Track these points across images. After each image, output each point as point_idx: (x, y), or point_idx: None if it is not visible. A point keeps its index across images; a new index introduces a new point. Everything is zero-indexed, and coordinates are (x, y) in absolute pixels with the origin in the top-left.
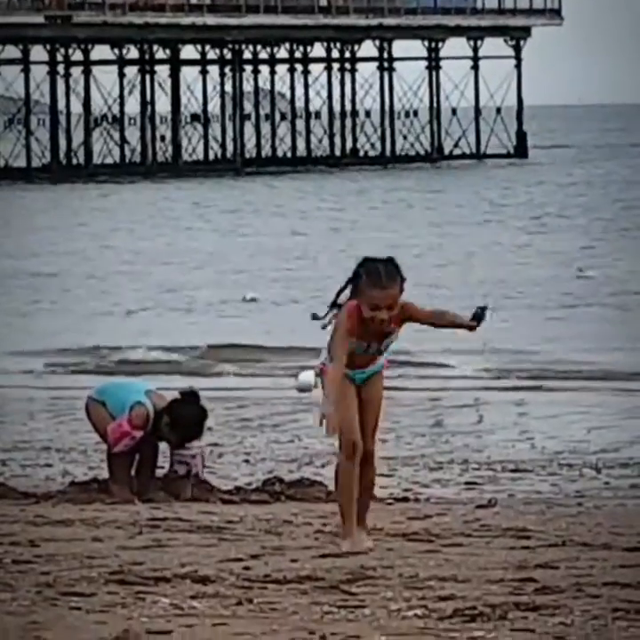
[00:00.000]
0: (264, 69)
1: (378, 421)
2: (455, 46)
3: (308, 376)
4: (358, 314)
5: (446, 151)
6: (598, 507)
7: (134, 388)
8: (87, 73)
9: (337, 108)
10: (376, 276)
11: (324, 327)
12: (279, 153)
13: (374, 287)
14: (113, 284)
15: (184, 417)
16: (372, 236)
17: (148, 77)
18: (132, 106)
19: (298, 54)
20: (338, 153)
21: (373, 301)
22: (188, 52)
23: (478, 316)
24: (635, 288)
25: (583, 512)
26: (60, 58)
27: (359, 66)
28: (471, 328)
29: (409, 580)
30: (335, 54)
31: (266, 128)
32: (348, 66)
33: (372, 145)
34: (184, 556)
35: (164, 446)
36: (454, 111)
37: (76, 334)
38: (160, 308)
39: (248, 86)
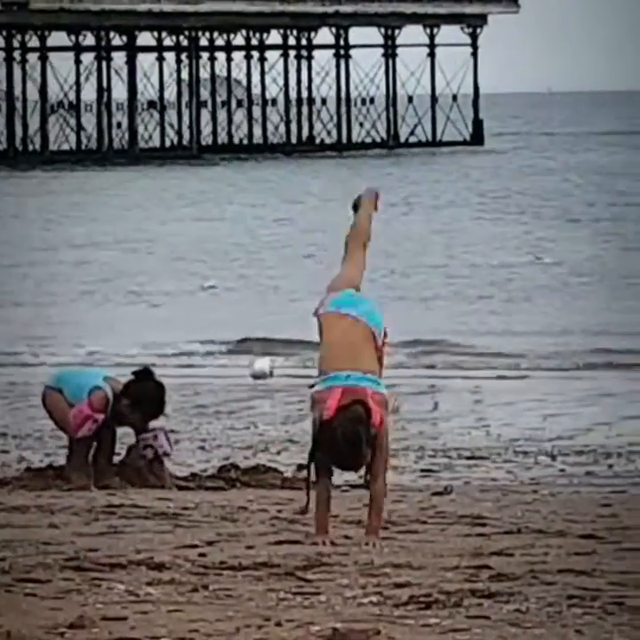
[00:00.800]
0: (220, 56)
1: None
2: (412, 34)
3: (262, 363)
4: None
5: (402, 139)
6: (553, 494)
7: (91, 373)
8: (43, 59)
9: (293, 95)
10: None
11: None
12: (235, 140)
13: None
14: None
15: (143, 394)
16: (323, 222)
17: (104, 64)
18: (89, 92)
19: (254, 41)
20: (294, 140)
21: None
22: (145, 38)
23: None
24: (587, 273)
25: (538, 499)
26: (16, 44)
27: (315, 53)
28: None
29: (364, 567)
30: (292, 41)
31: (222, 115)
32: (304, 53)
33: (329, 132)
34: (139, 543)
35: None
36: (411, 99)
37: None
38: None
39: (204, 73)
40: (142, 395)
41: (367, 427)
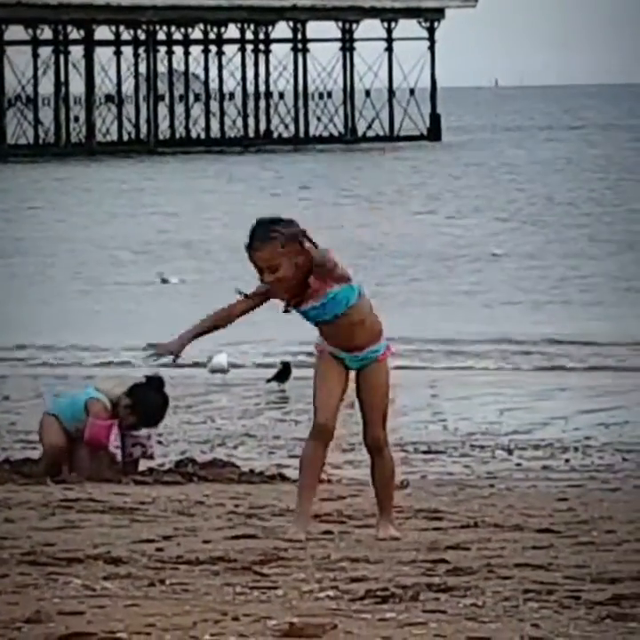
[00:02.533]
0: (178, 50)
1: (386, 409)
2: (369, 28)
3: (221, 358)
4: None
5: (360, 133)
6: (510, 488)
7: (82, 392)
8: (1, 53)
9: (251, 89)
10: (249, 236)
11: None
12: (193, 134)
13: (248, 249)
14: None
15: (146, 402)
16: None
17: (61, 58)
18: (46, 86)
19: (212, 35)
20: (252, 134)
21: (253, 265)
22: (102, 32)
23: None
24: (539, 267)
25: (495, 493)
26: None
27: (273, 47)
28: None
29: (321, 562)
30: (249, 35)
31: (180, 109)
32: (261, 47)
33: (286, 126)
34: (96, 537)
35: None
36: (368, 93)
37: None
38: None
39: (162, 67)
40: (146, 403)
41: None
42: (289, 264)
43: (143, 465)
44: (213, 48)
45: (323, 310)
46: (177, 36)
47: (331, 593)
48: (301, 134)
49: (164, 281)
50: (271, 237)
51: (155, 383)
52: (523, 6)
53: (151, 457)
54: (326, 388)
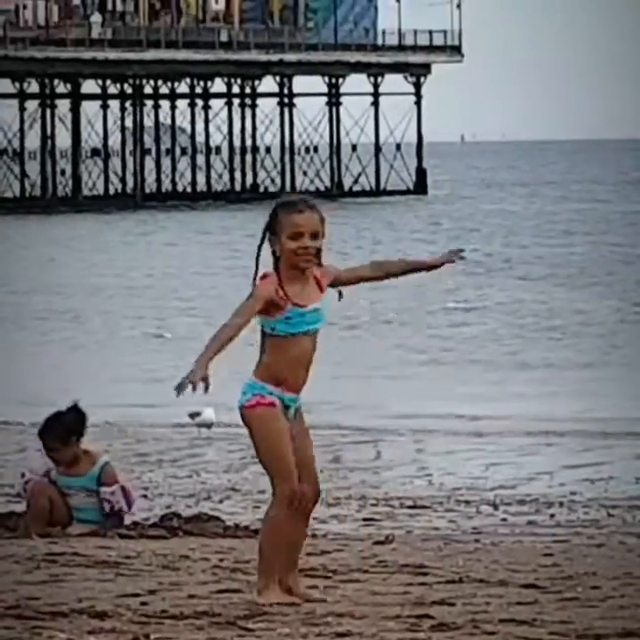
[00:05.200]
0: (164, 104)
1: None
2: (355, 82)
3: (209, 413)
4: (272, 278)
5: (346, 187)
6: (495, 543)
7: None
8: None
9: (237, 143)
10: (291, 203)
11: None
12: (179, 188)
13: (292, 212)
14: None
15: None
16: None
17: (48, 111)
18: (33, 140)
19: (198, 89)
20: (238, 188)
21: (295, 228)
22: (89, 86)
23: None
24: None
25: (480, 548)
26: None
27: (259, 101)
28: (435, 266)
29: (306, 617)
30: (235, 90)
31: (166, 163)
32: (248, 101)
33: (272, 180)
34: (81, 591)
35: None
36: (354, 147)
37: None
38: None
39: (148, 121)
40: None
41: None
42: (322, 240)
43: (127, 519)
44: (200, 102)
45: (317, 316)
46: (163, 89)
47: None
48: (288, 188)
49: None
50: (315, 206)
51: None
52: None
53: (121, 511)
54: (281, 444)
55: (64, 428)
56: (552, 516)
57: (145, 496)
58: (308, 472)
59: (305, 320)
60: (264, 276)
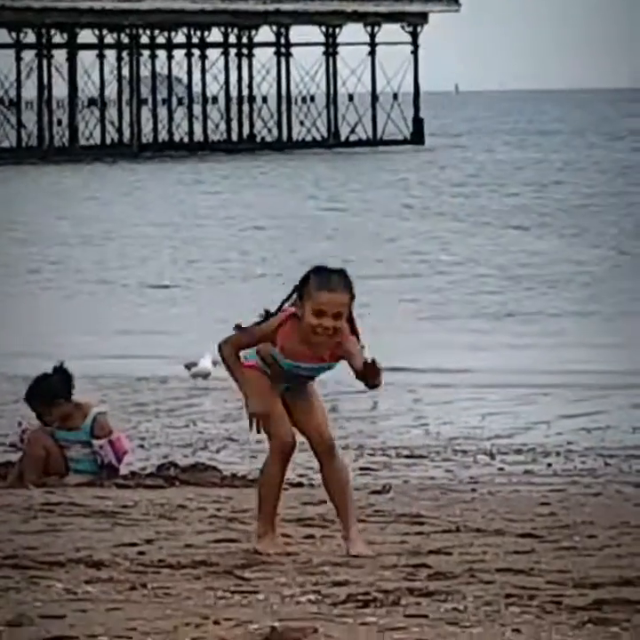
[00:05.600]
0: (161, 54)
1: (325, 414)
2: (352, 32)
3: (206, 362)
4: (292, 324)
5: (343, 137)
6: (492, 493)
7: None
8: None
9: (234, 93)
10: (325, 277)
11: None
12: (176, 138)
13: (322, 289)
14: None
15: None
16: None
17: (45, 61)
18: (30, 90)
19: (195, 39)
20: (235, 138)
21: (319, 306)
22: (86, 36)
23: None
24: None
25: (477, 498)
26: None
27: (256, 51)
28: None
29: (302, 566)
30: (232, 39)
31: (163, 113)
32: (245, 51)
33: (269, 130)
34: (78, 541)
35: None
36: (351, 97)
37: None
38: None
39: (145, 71)
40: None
41: None
42: (345, 318)
43: (124, 469)
44: (196, 52)
45: (313, 371)
46: (160, 39)
47: (312, 597)
48: (284, 138)
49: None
50: (349, 285)
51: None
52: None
53: (111, 465)
54: (272, 401)
55: (49, 392)
56: (549, 465)
57: (142, 446)
58: (311, 426)
59: (300, 367)
60: (285, 319)
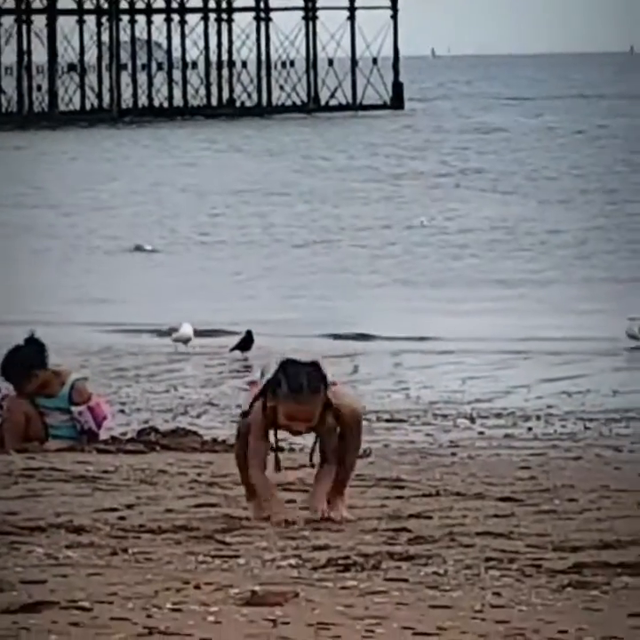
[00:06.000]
0: (141, 19)
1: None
2: None
3: (187, 328)
4: (272, 411)
5: (323, 102)
6: (472, 457)
7: None
8: None
9: (214, 58)
10: (294, 386)
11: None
12: (155, 103)
13: (290, 400)
14: None
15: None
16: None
17: (24, 27)
18: (9, 55)
19: (174, 4)
20: (214, 103)
21: (289, 413)
22: (65, 1)
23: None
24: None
25: (457, 462)
26: None
27: (236, 16)
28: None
29: (283, 530)
30: (212, 4)
31: (142, 78)
32: (224, 16)
33: (249, 95)
34: (59, 506)
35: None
36: (331, 62)
37: None
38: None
39: (125, 36)
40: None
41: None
42: (319, 411)
43: (104, 434)
44: (176, 17)
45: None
46: (140, 4)
47: (293, 561)
48: (264, 103)
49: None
50: (319, 387)
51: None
52: None
53: (91, 431)
54: None
55: (24, 364)
56: (529, 429)
57: (122, 411)
58: None
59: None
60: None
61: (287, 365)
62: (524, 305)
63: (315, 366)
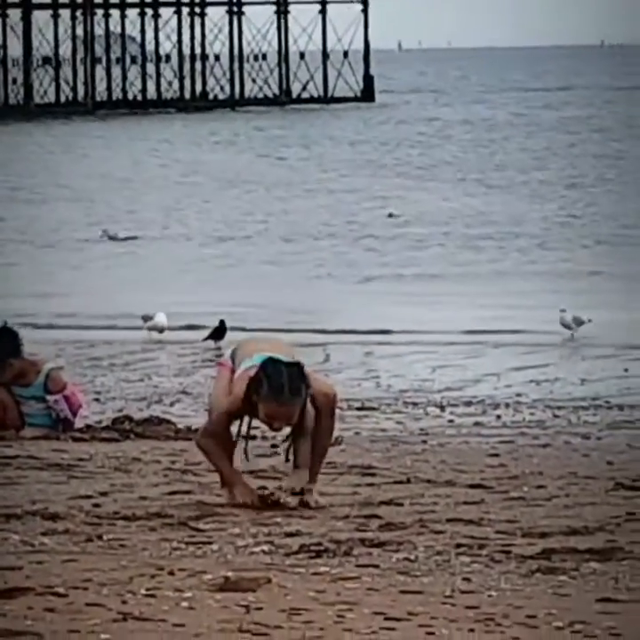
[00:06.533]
0: (115, 13)
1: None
2: None
3: (161, 317)
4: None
5: (294, 94)
6: (442, 444)
7: None
8: None
9: (187, 51)
10: (276, 387)
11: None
12: (130, 96)
13: (271, 401)
14: None
15: None
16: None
17: (0, 21)
18: None
19: None
20: (188, 96)
21: (270, 413)
22: None
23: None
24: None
25: (427, 449)
26: None
27: (208, 10)
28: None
29: (256, 517)
30: None
31: (116, 71)
32: (197, 10)
33: (222, 88)
34: (34, 494)
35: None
36: (302, 55)
37: None
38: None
39: (99, 30)
40: None
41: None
42: (299, 410)
43: (79, 423)
44: (150, 11)
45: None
46: None
47: (265, 548)
48: (237, 96)
49: (111, 237)
50: (300, 392)
51: None
52: None
53: (66, 419)
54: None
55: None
56: (498, 417)
57: (97, 400)
58: None
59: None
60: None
61: (268, 365)
62: (489, 296)
63: (296, 367)
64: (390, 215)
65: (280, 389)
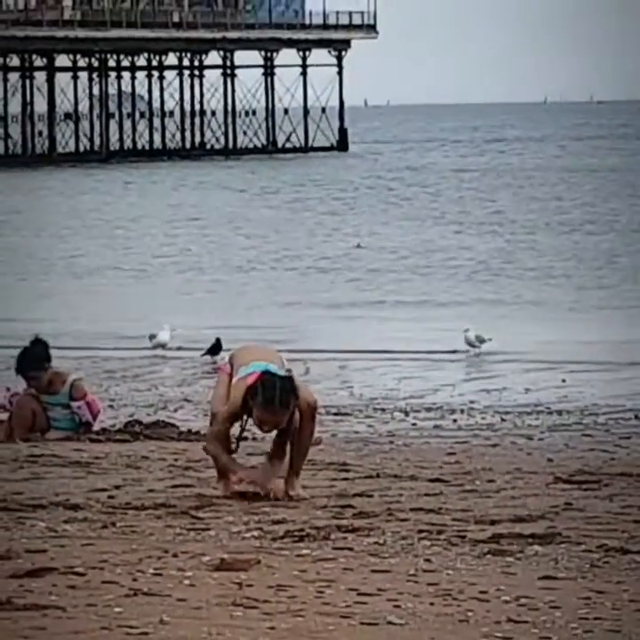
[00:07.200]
0: (126, 75)
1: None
2: (287, 56)
3: (164, 335)
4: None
5: (280, 144)
6: (407, 444)
7: None
8: None
9: (187, 107)
10: (269, 397)
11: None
12: (138, 146)
13: (262, 408)
14: None
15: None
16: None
17: (27, 82)
18: (15, 106)
19: (154, 62)
20: (188, 146)
21: (261, 419)
22: (62, 60)
23: None
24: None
25: (394, 449)
26: None
27: (206, 72)
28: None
29: (247, 507)
30: (186, 62)
31: (127, 125)
32: (196, 72)
33: (217, 139)
34: (58, 487)
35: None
36: (286, 111)
37: None
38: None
39: (112, 89)
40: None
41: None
42: (288, 417)
43: (97, 426)
44: (156, 73)
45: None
46: (125, 63)
47: (255, 533)
48: (230, 146)
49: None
50: (289, 404)
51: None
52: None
53: (88, 423)
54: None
55: (38, 357)
56: (454, 420)
57: (111, 406)
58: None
59: None
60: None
61: (265, 377)
62: (445, 319)
63: (288, 380)
64: (359, 245)
65: (271, 400)
